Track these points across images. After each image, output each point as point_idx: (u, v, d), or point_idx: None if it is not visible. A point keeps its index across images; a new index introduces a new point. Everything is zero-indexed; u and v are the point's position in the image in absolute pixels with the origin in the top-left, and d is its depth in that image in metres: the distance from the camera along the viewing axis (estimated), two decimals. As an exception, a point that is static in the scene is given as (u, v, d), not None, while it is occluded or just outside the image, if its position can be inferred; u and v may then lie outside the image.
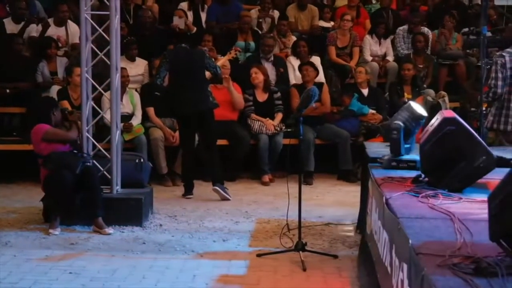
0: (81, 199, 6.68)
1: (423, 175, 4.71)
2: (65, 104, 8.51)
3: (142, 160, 7.54)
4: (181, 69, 7.97)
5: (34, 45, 9.69)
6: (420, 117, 5.46)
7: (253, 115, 9.28)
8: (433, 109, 8.66)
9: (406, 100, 8.50)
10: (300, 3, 11.24)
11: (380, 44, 10.88)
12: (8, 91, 9.11)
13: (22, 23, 9.86)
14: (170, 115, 8.73)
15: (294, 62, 10.07)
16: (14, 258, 5.79)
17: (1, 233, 6.52)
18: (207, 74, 8.12)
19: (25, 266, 5.59)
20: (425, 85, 10.22)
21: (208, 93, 8.18)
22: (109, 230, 6.57)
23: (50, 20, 10.04)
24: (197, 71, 8.01)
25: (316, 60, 10.00)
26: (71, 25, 9.93)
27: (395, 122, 5.35)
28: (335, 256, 5.90)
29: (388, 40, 10.97)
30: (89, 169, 6.74)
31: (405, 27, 11.00)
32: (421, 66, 10.43)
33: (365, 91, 9.77)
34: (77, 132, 6.88)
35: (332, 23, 11.28)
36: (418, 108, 5.54)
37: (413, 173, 4.90)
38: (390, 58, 10.85)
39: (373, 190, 5.09)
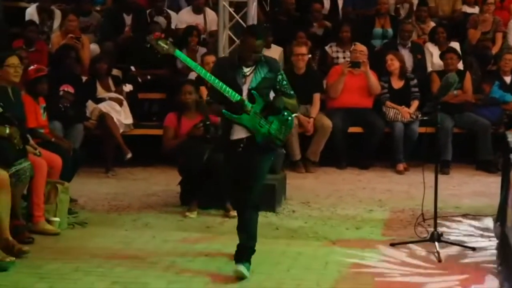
0: (215, 184, 6.80)
1: None
2: (203, 90, 8.71)
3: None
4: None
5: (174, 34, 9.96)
6: None
7: (388, 103, 9.12)
8: None
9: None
10: (442, -12, 10.91)
11: (526, 28, 10.39)
12: (148, 77, 9.47)
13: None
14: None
15: (432, 49, 9.83)
16: (153, 239, 6.00)
17: (141, 214, 6.78)
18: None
19: (164, 247, 5.78)
20: None
21: None
22: (234, 213, 6.63)
23: (188, 8, 10.28)
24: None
25: (455, 46, 9.70)
26: (209, 12, 10.12)
27: None
28: (473, 248, 5.71)
29: (536, 25, 10.45)
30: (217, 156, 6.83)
31: (556, 10, 10.44)
32: None
33: (507, 79, 9.38)
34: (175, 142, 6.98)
35: (476, 7, 10.84)
36: None
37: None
38: (538, 43, 10.34)
39: (514, 181, 4.89)
